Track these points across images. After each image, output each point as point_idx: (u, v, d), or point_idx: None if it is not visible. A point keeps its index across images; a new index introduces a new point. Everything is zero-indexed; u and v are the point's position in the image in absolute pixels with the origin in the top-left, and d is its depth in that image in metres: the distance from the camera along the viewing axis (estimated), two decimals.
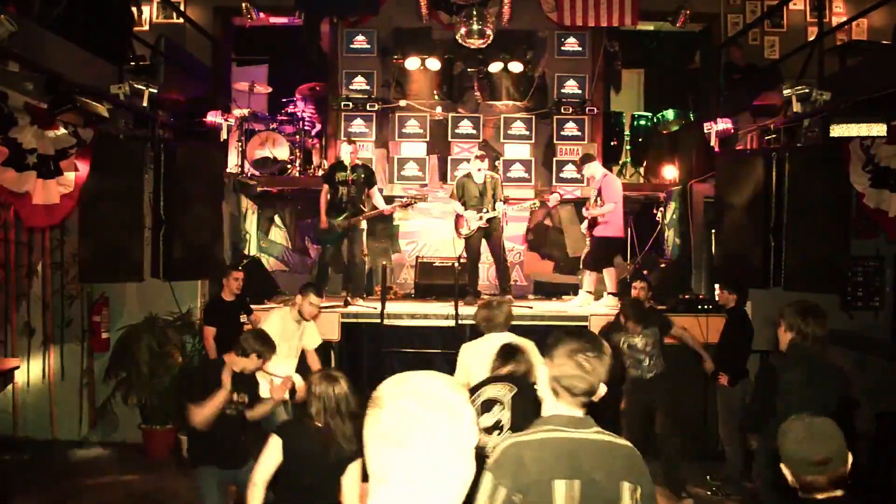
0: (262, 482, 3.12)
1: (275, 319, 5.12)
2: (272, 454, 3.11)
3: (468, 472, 1.24)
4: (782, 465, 2.28)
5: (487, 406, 3.35)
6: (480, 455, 1.40)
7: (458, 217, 7.06)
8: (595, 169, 6.98)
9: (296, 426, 3.33)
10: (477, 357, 4.15)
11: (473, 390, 3.46)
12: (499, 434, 3.22)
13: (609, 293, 6.82)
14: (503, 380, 3.46)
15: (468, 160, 7.50)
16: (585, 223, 7.02)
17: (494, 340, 4.08)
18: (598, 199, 6.80)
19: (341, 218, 6.96)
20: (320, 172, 8.10)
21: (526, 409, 3.09)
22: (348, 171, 6.94)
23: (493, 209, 6.90)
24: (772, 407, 3.39)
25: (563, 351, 1.98)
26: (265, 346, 3.96)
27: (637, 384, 5.43)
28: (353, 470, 3.02)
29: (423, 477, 1.18)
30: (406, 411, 1.19)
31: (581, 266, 7.19)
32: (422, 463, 1.18)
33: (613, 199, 6.70)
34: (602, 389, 2.02)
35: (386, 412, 1.21)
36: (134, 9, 7.09)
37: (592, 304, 6.86)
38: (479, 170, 6.94)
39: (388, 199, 7.89)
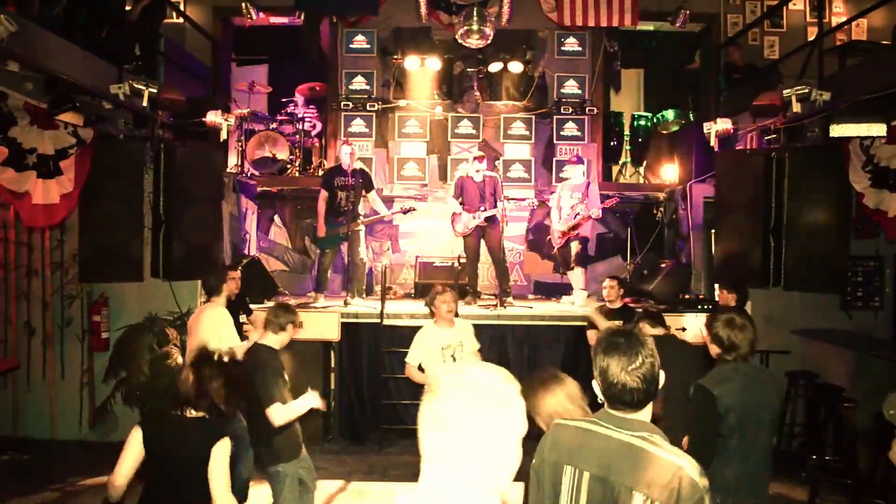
0: (122, 481, 2.90)
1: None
2: (132, 448, 2.90)
3: (515, 458, 1.34)
4: None
5: None
6: None
7: (455, 215, 7.06)
8: (583, 172, 7.27)
9: (157, 417, 3.12)
10: None
11: None
12: None
13: (582, 289, 7.22)
14: None
15: (468, 160, 7.49)
16: (570, 223, 7.08)
17: None
18: (584, 202, 7.00)
19: (341, 224, 6.95)
20: (320, 172, 8.09)
21: None
22: (347, 176, 6.92)
23: (493, 209, 6.90)
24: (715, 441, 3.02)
25: (601, 368, 1.97)
26: (293, 314, 3.97)
27: None
28: (219, 451, 2.85)
29: (468, 460, 1.29)
30: (457, 401, 1.30)
31: (573, 265, 7.23)
32: (468, 448, 1.28)
33: (597, 204, 7.00)
34: (661, 378, 1.99)
35: (439, 400, 1.32)
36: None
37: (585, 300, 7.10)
38: (478, 171, 6.94)
39: (388, 200, 7.90)
